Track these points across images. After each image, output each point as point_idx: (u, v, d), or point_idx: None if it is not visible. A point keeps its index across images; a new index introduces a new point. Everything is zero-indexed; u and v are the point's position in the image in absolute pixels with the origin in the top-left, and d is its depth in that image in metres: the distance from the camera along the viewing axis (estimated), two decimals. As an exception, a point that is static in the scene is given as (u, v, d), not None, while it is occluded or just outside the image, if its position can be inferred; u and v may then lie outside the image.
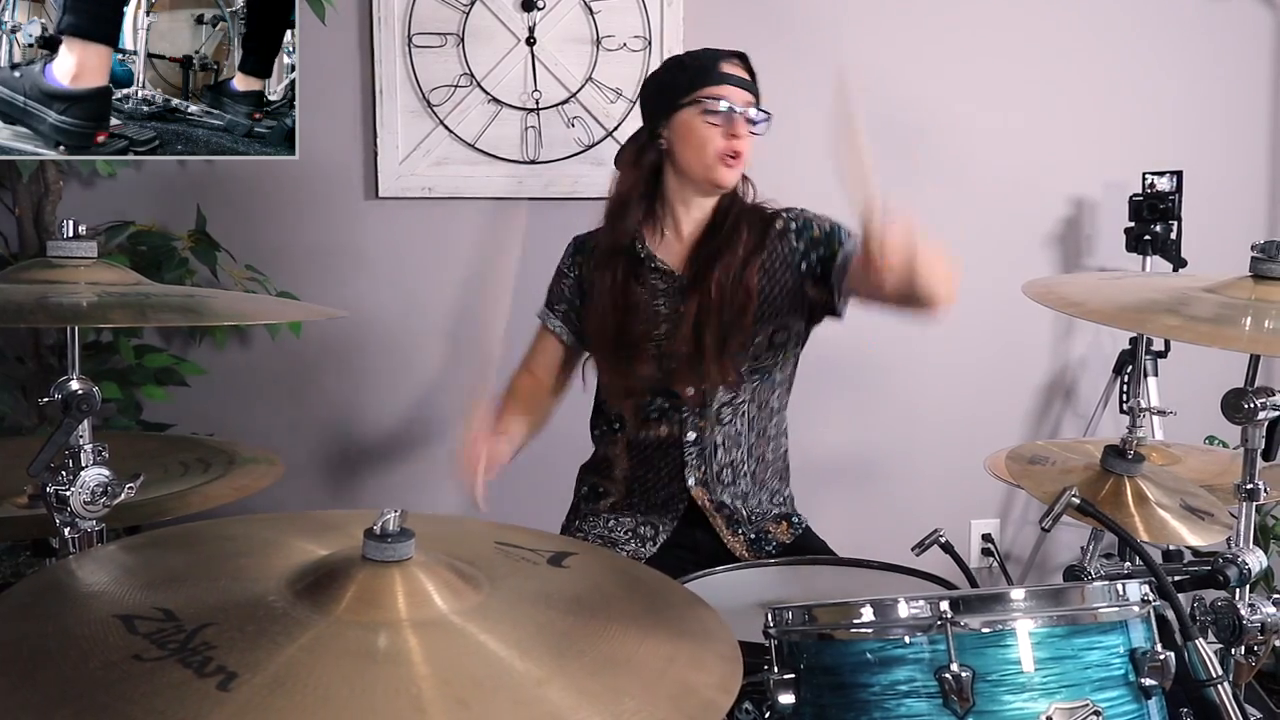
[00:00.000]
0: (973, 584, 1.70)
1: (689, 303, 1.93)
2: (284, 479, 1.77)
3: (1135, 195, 2.83)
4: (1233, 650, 1.43)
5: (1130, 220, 2.83)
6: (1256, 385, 1.38)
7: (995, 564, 3.16)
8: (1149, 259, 2.82)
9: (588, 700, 0.92)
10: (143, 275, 2.36)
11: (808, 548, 2.03)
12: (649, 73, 2.14)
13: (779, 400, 2.06)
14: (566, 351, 2.09)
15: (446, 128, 2.73)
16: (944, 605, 1.14)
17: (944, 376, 3.02)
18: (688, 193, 1.99)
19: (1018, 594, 1.20)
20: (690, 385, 1.96)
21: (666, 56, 2.69)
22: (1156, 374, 2.84)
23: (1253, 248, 1.37)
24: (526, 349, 2.10)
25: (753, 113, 1.94)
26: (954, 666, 1.13)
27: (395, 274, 2.78)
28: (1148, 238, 2.79)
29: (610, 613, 1.09)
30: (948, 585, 1.68)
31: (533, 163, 2.76)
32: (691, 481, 1.99)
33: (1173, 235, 2.79)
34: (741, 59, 2.00)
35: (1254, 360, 1.38)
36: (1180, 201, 2.79)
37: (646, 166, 1.99)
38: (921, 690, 1.15)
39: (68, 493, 1.29)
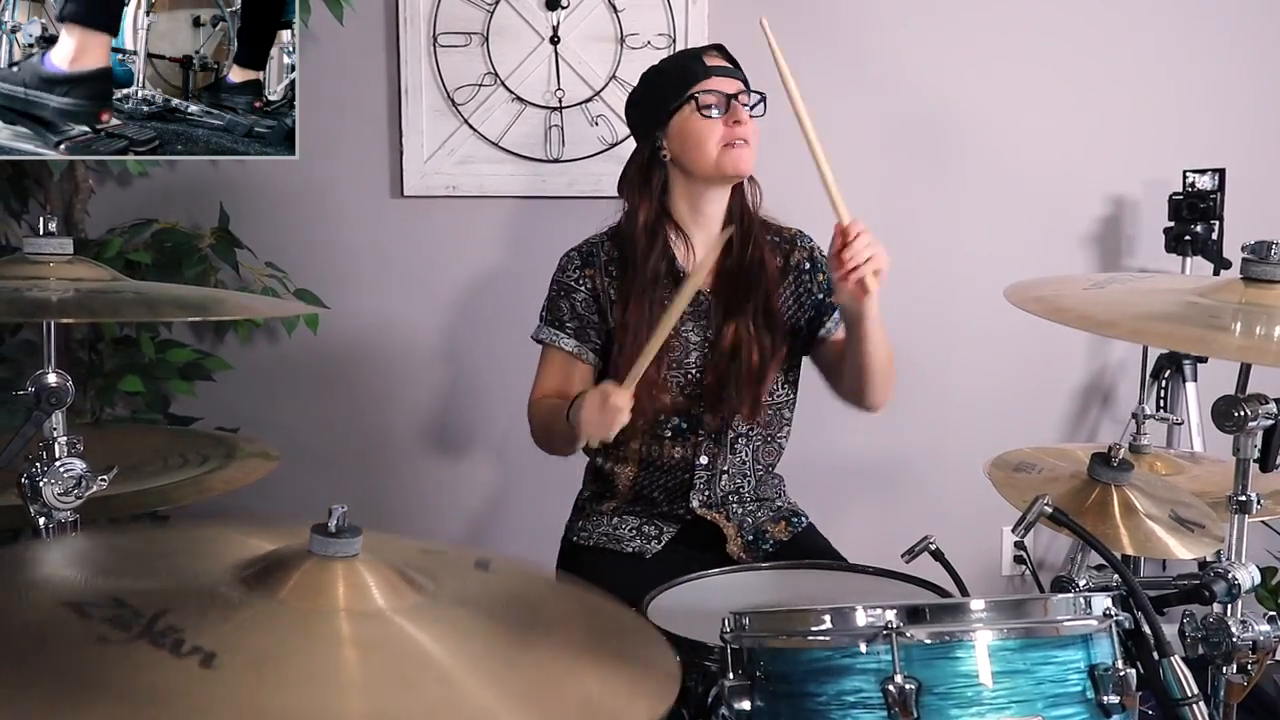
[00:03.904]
0: (963, 592, 1.65)
1: (722, 339, 1.92)
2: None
3: (1175, 194, 2.73)
4: (1224, 669, 1.37)
5: (1170, 220, 2.74)
6: (1249, 393, 1.33)
7: (1028, 572, 3.09)
8: (1189, 260, 2.71)
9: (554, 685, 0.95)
10: (165, 272, 2.44)
11: (806, 545, 2.00)
12: (630, 93, 2.04)
13: (784, 434, 2.06)
14: (593, 372, 1.99)
15: (471, 126, 2.74)
16: (890, 615, 1.11)
17: (976, 379, 2.95)
18: (696, 194, 1.95)
19: (976, 605, 1.16)
20: (717, 414, 1.96)
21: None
22: (1195, 379, 2.74)
23: (1243, 248, 1.31)
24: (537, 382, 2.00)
25: (746, 97, 1.92)
26: (898, 678, 1.10)
27: (419, 271, 2.81)
28: (1188, 238, 2.69)
29: (549, 616, 1.10)
30: (941, 593, 1.64)
31: (556, 161, 2.76)
32: (696, 504, 1.99)
33: (1214, 235, 2.69)
34: (719, 49, 1.98)
35: (1245, 365, 1.32)
36: (1222, 200, 2.68)
37: (656, 187, 1.95)
38: (868, 701, 1.12)
39: (41, 483, 1.32)
